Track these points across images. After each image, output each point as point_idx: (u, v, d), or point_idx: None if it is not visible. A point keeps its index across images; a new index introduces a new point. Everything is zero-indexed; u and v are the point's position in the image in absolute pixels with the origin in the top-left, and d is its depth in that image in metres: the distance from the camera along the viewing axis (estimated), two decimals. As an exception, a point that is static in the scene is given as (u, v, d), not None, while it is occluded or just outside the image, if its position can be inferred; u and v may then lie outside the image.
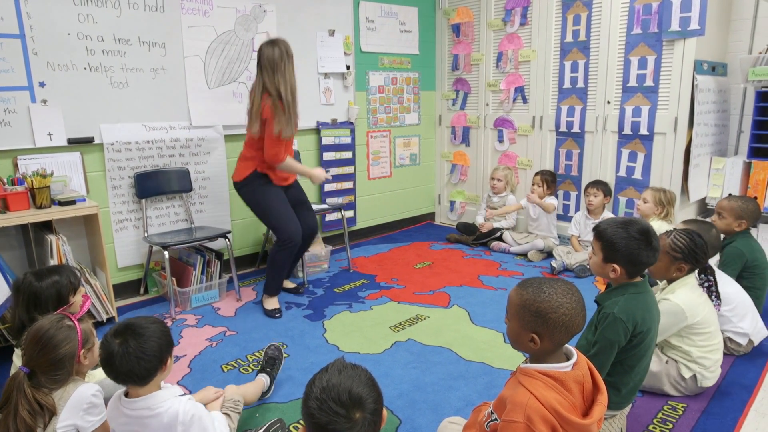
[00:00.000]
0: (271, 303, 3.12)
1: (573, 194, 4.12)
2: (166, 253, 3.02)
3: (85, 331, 1.64)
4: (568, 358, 1.39)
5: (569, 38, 3.90)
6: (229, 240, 3.30)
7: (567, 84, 3.97)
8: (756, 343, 2.46)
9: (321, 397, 1.09)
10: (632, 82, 3.61)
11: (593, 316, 1.82)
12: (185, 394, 1.67)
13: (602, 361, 1.72)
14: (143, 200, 3.29)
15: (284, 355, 2.28)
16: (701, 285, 2.16)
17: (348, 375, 1.14)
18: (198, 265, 3.18)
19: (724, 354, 2.30)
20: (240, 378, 2.35)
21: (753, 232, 2.95)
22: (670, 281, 2.15)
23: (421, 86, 4.82)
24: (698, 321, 2.06)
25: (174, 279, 3.11)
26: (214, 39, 3.44)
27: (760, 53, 3.37)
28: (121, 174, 3.21)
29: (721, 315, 2.31)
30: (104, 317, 2.86)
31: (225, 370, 2.44)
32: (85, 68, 2.99)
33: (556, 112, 4.07)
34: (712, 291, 2.15)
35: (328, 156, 4.22)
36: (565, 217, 4.17)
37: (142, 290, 3.39)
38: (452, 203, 5.04)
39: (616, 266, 1.77)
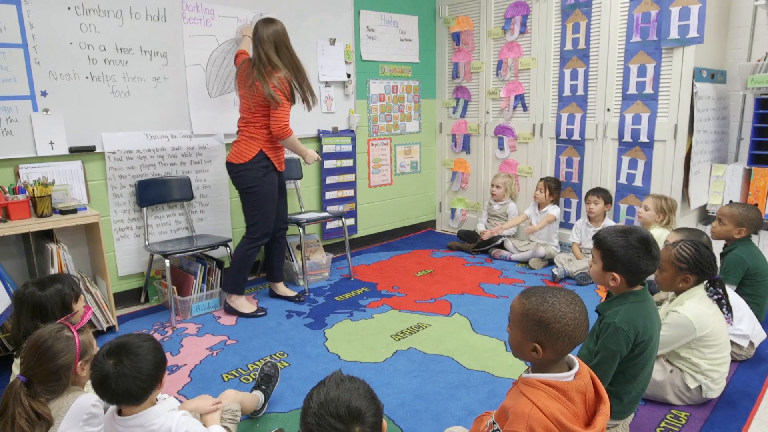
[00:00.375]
0: (246, 304, 3.15)
1: (574, 202, 4.12)
2: (167, 261, 3.02)
3: (84, 343, 1.62)
4: (570, 368, 1.38)
5: (569, 46, 3.91)
6: (230, 248, 3.31)
7: (567, 92, 3.98)
8: (756, 344, 2.45)
9: (319, 413, 1.06)
10: (632, 90, 3.62)
11: (594, 326, 1.81)
12: (181, 402, 1.66)
13: (604, 372, 1.71)
14: (144, 208, 3.29)
15: (279, 373, 2.26)
16: (711, 297, 2.13)
17: (346, 388, 1.10)
18: (199, 273, 3.17)
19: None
20: (241, 387, 2.33)
21: (754, 239, 2.95)
22: (677, 293, 2.14)
23: (421, 94, 4.84)
24: (707, 333, 2.03)
25: (175, 287, 3.11)
26: (215, 48, 3.46)
27: (759, 61, 3.38)
28: (122, 182, 3.22)
29: None
30: (104, 326, 2.86)
31: (226, 379, 2.43)
32: (87, 77, 3.00)
33: (556, 120, 4.08)
34: (722, 303, 2.12)
35: (329, 164, 4.22)
36: (566, 224, 4.16)
37: (142, 299, 3.39)
38: (453, 211, 5.04)
39: (615, 275, 1.76)
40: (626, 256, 1.73)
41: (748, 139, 3.52)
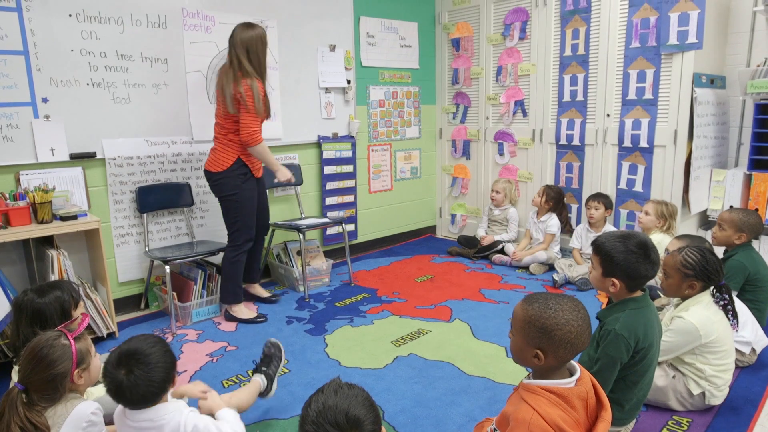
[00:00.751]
0: (246, 311, 3.14)
1: (574, 207, 4.12)
2: (167, 267, 3.02)
3: (81, 351, 1.61)
4: (571, 374, 1.38)
5: (568, 52, 3.92)
6: (230, 254, 3.30)
7: (566, 97, 3.99)
8: (758, 350, 2.44)
9: (318, 421, 1.05)
10: (631, 95, 3.63)
11: (595, 332, 1.81)
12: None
13: (605, 379, 1.71)
14: (144, 215, 3.29)
15: (283, 351, 2.20)
16: (717, 303, 2.12)
17: (345, 395, 1.09)
18: (199, 279, 3.17)
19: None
20: (241, 394, 2.33)
21: (755, 244, 2.94)
22: (683, 299, 2.13)
23: (421, 100, 4.85)
24: (713, 340, 2.02)
25: (175, 293, 3.11)
26: (216, 55, 3.47)
27: (758, 66, 3.39)
28: (122, 188, 3.22)
29: None
30: (104, 332, 2.85)
31: (226, 385, 2.42)
32: (87, 84, 3.01)
33: (556, 126, 4.09)
34: (728, 310, 2.11)
35: (329, 170, 4.23)
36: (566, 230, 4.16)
37: (142, 305, 3.39)
38: (453, 216, 5.04)
39: (615, 280, 1.76)
40: (625, 261, 1.72)
41: (748, 144, 3.52)
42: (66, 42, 2.91)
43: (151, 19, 3.19)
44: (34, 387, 1.53)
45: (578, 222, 4.07)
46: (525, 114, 4.29)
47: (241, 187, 3.01)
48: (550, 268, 3.95)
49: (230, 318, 3.14)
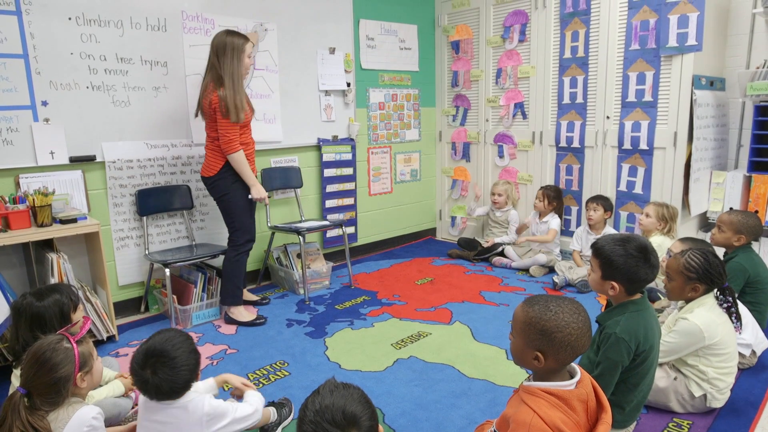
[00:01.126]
0: (245, 313, 3.15)
1: (574, 209, 4.12)
2: (167, 270, 3.02)
3: (83, 354, 1.61)
4: (571, 376, 1.37)
5: (568, 54, 3.93)
6: (230, 257, 3.29)
7: (566, 99, 3.99)
8: (759, 353, 2.44)
9: (315, 420, 1.08)
10: (631, 98, 3.63)
11: (595, 336, 1.80)
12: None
13: (606, 382, 1.70)
14: (144, 218, 3.29)
15: (293, 411, 2.18)
16: (720, 305, 2.12)
17: (341, 394, 1.12)
18: (199, 282, 3.17)
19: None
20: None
21: (754, 246, 2.94)
22: (687, 301, 2.13)
23: (421, 102, 4.85)
24: (716, 342, 2.02)
25: (175, 296, 3.10)
26: (215, 57, 3.47)
27: (758, 68, 3.40)
28: (122, 192, 3.22)
29: None
30: (104, 335, 2.85)
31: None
32: (87, 87, 3.02)
33: (555, 128, 4.09)
34: (732, 312, 2.11)
35: (328, 172, 4.23)
36: (566, 231, 4.16)
37: (142, 308, 3.38)
38: (453, 219, 5.03)
39: (614, 283, 1.76)
40: (625, 264, 1.72)
41: (748, 146, 3.53)
42: (66, 45, 2.92)
43: (151, 22, 3.20)
44: (36, 391, 1.53)
45: (578, 224, 4.07)
46: (525, 116, 4.29)
47: (232, 187, 3.03)
48: (551, 270, 3.95)
49: (230, 321, 3.14)
